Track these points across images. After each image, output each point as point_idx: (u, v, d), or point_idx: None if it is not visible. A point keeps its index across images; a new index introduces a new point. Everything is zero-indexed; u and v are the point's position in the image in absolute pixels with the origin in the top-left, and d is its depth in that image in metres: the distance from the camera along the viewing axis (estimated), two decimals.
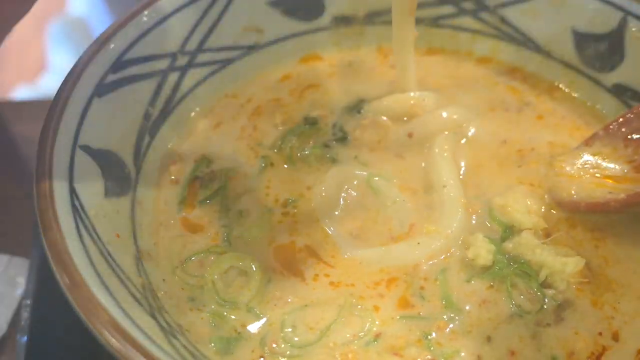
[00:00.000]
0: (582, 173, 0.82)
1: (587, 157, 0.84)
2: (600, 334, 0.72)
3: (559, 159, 0.85)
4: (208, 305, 0.73)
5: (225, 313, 0.73)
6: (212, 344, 0.70)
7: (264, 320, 0.72)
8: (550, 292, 0.74)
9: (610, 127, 0.83)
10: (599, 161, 0.83)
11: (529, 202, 0.81)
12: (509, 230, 0.79)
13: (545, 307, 0.73)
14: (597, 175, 0.82)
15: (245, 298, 0.73)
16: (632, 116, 0.82)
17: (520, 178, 0.85)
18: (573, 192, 0.80)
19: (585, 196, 0.79)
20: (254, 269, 0.75)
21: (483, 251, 0.75)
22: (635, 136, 0.81)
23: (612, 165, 0.82)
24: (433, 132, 0.88)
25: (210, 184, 0.84)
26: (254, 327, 0.72)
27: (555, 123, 0.93)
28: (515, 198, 0.81)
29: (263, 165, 0.86)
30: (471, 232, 0.79)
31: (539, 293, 0.74)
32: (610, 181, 0.80)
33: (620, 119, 0.83)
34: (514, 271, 0.75)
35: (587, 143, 0.85)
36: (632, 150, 0.81)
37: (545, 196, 0.83)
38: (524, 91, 0.97)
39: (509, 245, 0.77)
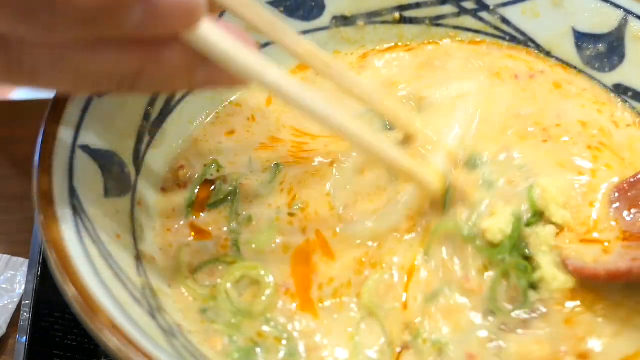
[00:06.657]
0: (599, 237, 0.77)
1: (603, 218, 0.78)
2: (564, 351, 0.69)
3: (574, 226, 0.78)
4: (222, 316, 0.72)
5: (240, 323, 0.71)
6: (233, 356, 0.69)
7: (279, 328, 0.71)
8: (534, 296, 0.71)
9: (625, 186, 0.79)
10: (615, 224, 0.78)
11: (573, 194, 0.78)
12: (537, 216, 0.75)
13: (518, 311, 0.71)
14: (614, 239, 0.76)
15: (260, 307, 0.72)
16: None
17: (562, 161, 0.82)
18: (594, 259, 0.74)
19: (604, 262, 0.73)
20: (266, 276, 0.74)
21: (497, 228, 0.73)
22: None
23: (626, 228, 0.77)
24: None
25: (221, 188, 0.82)
26: (270, 336, 0.71)
27: (577, 94, 0.91)
28: (559, 187, 0.77)
29: (276, 171, 0.84)
30: (507, 200, 0.76)
31: (522, 295, 0.71)
32: (629, 248, 0.75)
33: (632, 179, 0.79)
34: (514, 261, 0.72)
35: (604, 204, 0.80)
36: None
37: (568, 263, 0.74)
38: (532, 62, 0.95)
39: (527, 231, 0.74)
